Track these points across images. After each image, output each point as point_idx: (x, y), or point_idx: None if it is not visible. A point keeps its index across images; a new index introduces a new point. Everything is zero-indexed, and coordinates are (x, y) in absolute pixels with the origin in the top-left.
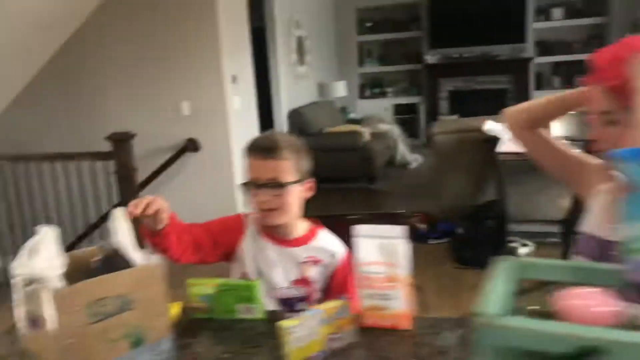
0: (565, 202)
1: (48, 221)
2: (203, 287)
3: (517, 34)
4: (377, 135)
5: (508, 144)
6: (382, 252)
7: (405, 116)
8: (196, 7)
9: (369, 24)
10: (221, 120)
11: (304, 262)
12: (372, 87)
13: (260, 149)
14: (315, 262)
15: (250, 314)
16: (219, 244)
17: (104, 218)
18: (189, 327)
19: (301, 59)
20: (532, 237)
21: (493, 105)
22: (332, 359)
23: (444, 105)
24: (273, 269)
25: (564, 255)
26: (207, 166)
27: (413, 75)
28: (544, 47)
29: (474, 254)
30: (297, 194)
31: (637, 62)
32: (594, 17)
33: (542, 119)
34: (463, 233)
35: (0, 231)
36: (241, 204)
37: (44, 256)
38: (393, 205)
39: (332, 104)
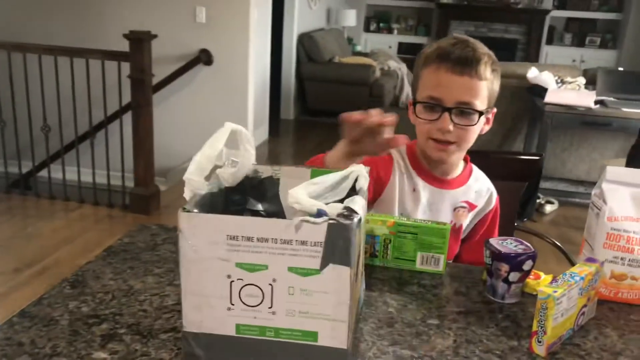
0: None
1: (46, 120)
2: (377, 225)
3: None
4: (385, 72)
5: (554, 95)
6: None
7: (410, 56)
8: None
9: None
10: (240, 32)
11: (460, 207)
12: (378, 21)
13: (457, 60)
14: (472, 207)
15: (433, 265)
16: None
17: (110, 119)
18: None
19: None
20: (558, 195)
21: (502, 55)
22: (578, 339)
23: None
24: (421, 214)
25: None
26: (220, 79)
27: (423, 13)
28: (561, 1)
29: None
30: (479, 127)
31: None
32: None
33: None
34: None
35: None
36: (252, 123)
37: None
38: None
39: (340, 32)
